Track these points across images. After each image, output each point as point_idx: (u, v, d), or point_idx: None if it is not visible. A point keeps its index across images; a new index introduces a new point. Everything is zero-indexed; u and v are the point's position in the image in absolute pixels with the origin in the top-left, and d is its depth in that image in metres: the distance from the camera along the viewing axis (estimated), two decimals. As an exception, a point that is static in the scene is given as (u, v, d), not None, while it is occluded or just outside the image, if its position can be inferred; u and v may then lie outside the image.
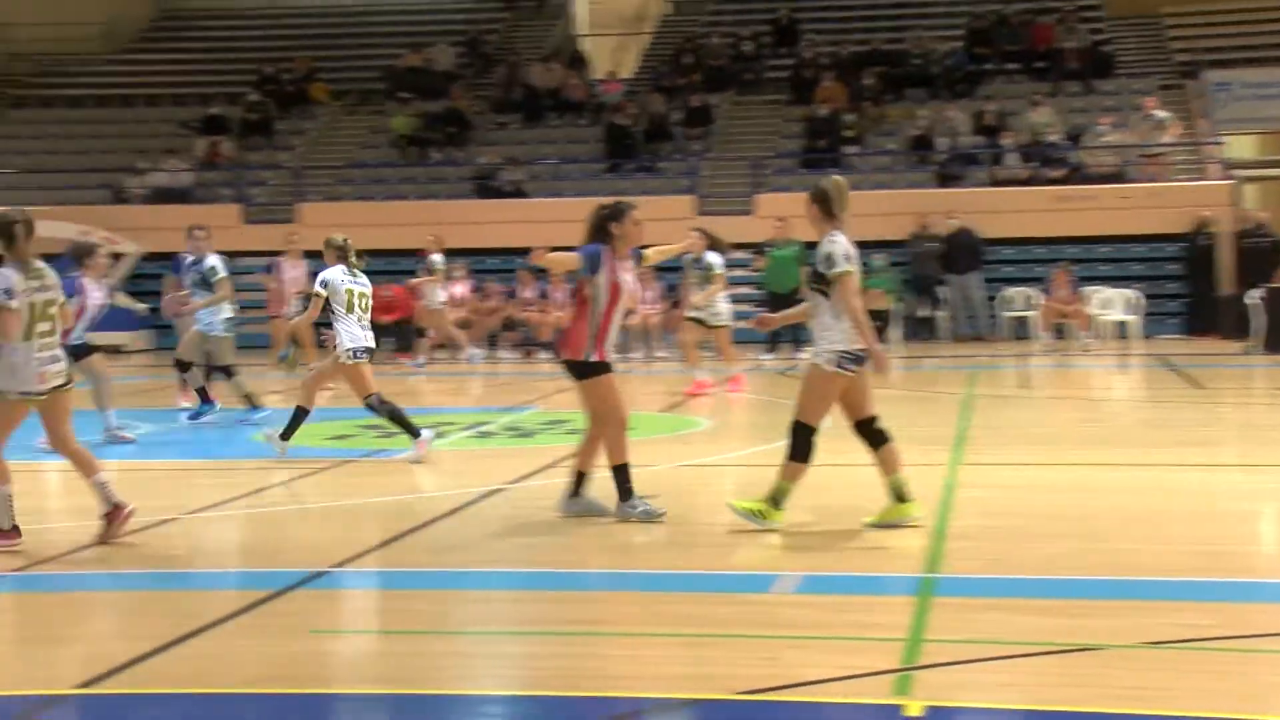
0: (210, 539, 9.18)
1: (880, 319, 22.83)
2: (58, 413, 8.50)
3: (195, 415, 14.58)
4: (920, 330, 23.71)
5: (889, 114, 27.45)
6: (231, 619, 6.82)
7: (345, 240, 12.03)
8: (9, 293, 8.17)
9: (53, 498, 10.93)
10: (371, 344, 11.79)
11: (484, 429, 13.95)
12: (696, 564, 7.98)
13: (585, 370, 8.85)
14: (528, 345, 22.96)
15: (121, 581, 7.85)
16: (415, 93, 29.65)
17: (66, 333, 13.14)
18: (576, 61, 31.13)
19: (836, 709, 5.48)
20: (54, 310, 8.48)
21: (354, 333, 11.62)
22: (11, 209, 8.52)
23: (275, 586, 7.42)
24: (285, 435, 11.86)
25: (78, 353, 13.15)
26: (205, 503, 10.08)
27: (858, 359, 8.27)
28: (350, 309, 11.68)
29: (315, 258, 19.95)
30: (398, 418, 11.62)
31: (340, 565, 7.96)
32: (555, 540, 8.62)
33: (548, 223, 22.56)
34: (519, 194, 26.31)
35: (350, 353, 11.58)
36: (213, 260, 14.61)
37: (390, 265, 24.84)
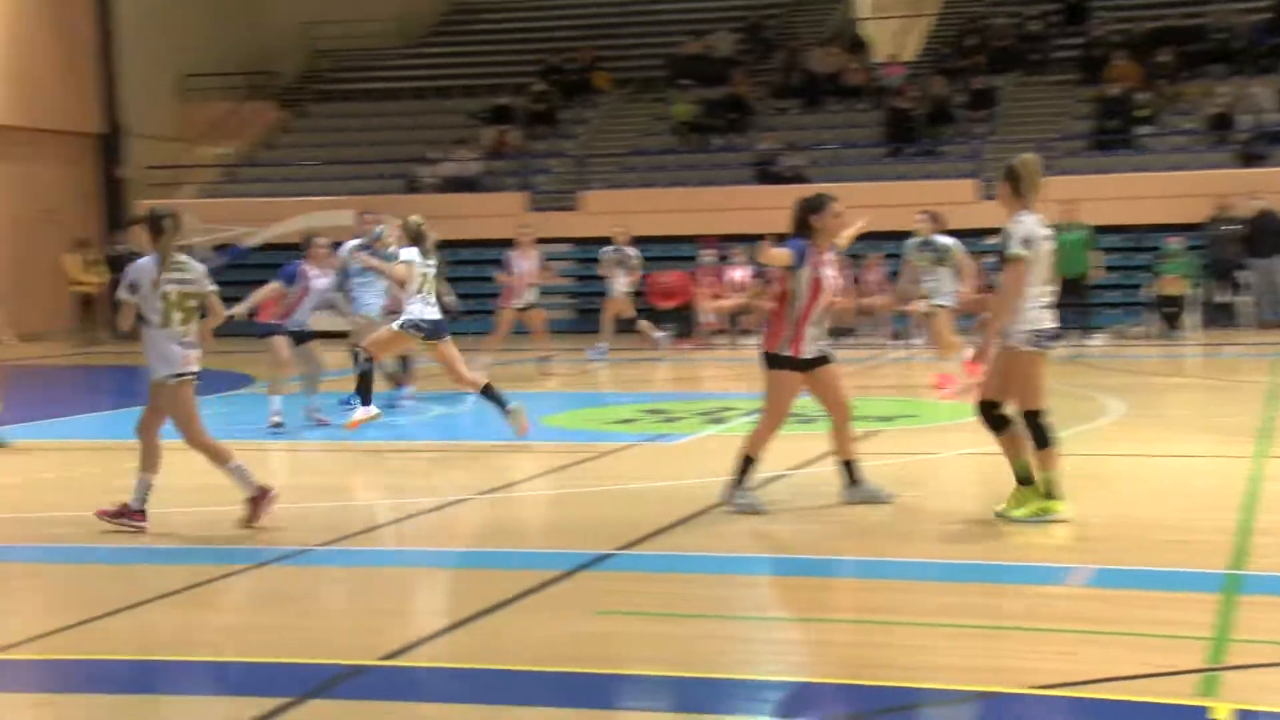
0: (498, 520, 9.38)
1: (1175, 305, 21.96)
2: (184, 402, 8.81)
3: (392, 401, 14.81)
4: (1219, 316, 22.70)
5: (1185, 92, 26.36)
6: (520, 598, 6.94)
7: (421, 225, 12.48)
8: (134, 286, 8.68)
9: (331, 475, 11.34)
10: (433, 318, 12.18)
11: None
12: (987, 555, 7.78)
13: (774, 363, 8.86)
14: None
15: (410, 559, 8.08)
16: (696, 80, 29.79)
17: (286, 315, 13.84)
18: (857, 45, 30.81)
19: (1140, 708, 5.26)
20: (192, 302, 8.81)
21: (417, 309, 12.07)
22: (163, 205, 9.05)
23: (562, 567, 7.53)
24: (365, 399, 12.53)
25: (299, 338, 13.72)
26: (489, 484, 10.30)
27: (1054, 335, 8.25)
28: (419, 289, 12.15)
29: (548, 244, 20.29)
30: (365, 382, 12.41)
31: (624, 548, 8.03)
32: (838, 527, 8.53)
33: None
34: (799, 179, 26.16)
35: (409, 325, 12.11)
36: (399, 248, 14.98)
37: (671, 251, 25.05)
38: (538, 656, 6.01)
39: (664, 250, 25.09)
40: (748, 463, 8.90)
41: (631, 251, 20.97)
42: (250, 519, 8.72)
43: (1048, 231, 8.33)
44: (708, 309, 23.06)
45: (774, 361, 8.86)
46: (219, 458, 8.81)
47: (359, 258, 14.51)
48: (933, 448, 10.40)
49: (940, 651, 5.99)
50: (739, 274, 23.27)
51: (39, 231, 27.91)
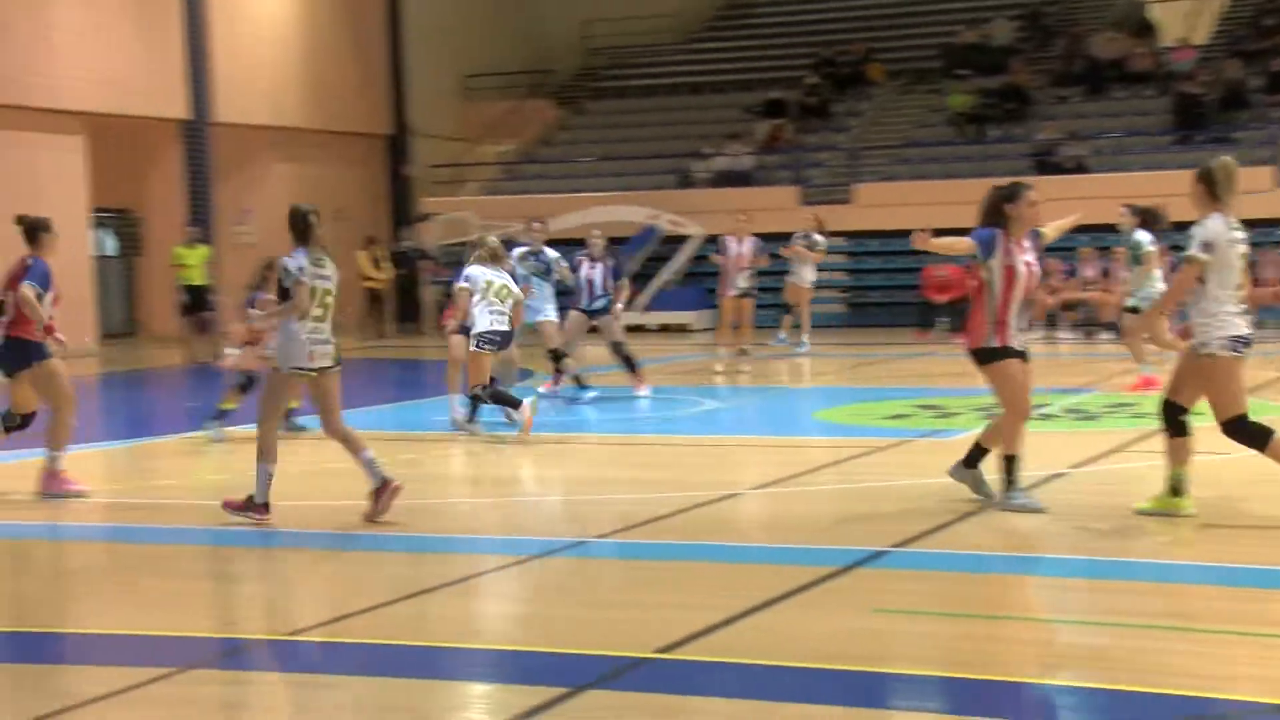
0: (774, 514, 9.37)
1: None
2: (324, 393, 8.93)
3: (575, 396, 14.95)
4: None
5: None
6: (795, 594, 6.91)
7: (496, 245, 12.70)
8: (301, 270, 8.82)
9: (604, 468, 11.47)
10: (501, 328, 12.33)
11: (1044, 411, 13.56)
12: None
13: (986, 356, 8.63)
14: (1089, 325, 22.20)
15: (687, 552, 8.13)
16: (972, 69, 29.23)
17: (581, 299, 14.35)
18: (1144, 29, 29.76)
19: None
20: (330, 299, 8.95)
21: (485, 320, 12.29)
22: (304, 204, 9.28)
23: (838, 564, 7.48)
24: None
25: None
26: (763, 479, 10.29)
27: (1248, 341, 8.05)
28: (485, 299, 12.32)
29: (770, 238, 20.18)
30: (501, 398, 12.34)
31: (900, 545, 7.93)
32: (1117, 527, 8.25)
33: (1110, 198, 21.69)
34: (1080, 169, 25.44)
35: (482, 340, 12.26)
36: (554, 252, 15.15)
37: (947, 244, 24.64)
38: (812, 653, 5.98)
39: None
40: (1010, 461, 8.68)
41: (819, 238, 20.75)
42: (373, 513, 8.83)
43: (1240, 234, 8.11)
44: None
45: (985, 355, 8.66)
46: (353, 446, 8.95)
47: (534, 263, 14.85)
48: (1218, 448, 9.99)
49: (1234, 661, 5.73)
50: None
51: (331, 230, 29.02)
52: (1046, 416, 13.24)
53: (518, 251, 14.80)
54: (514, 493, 10.00)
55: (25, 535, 9.15)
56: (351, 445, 9.02)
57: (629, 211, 26.36)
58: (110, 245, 28.20)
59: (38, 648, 6.60)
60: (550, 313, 14.90)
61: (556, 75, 34.60)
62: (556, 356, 14.92)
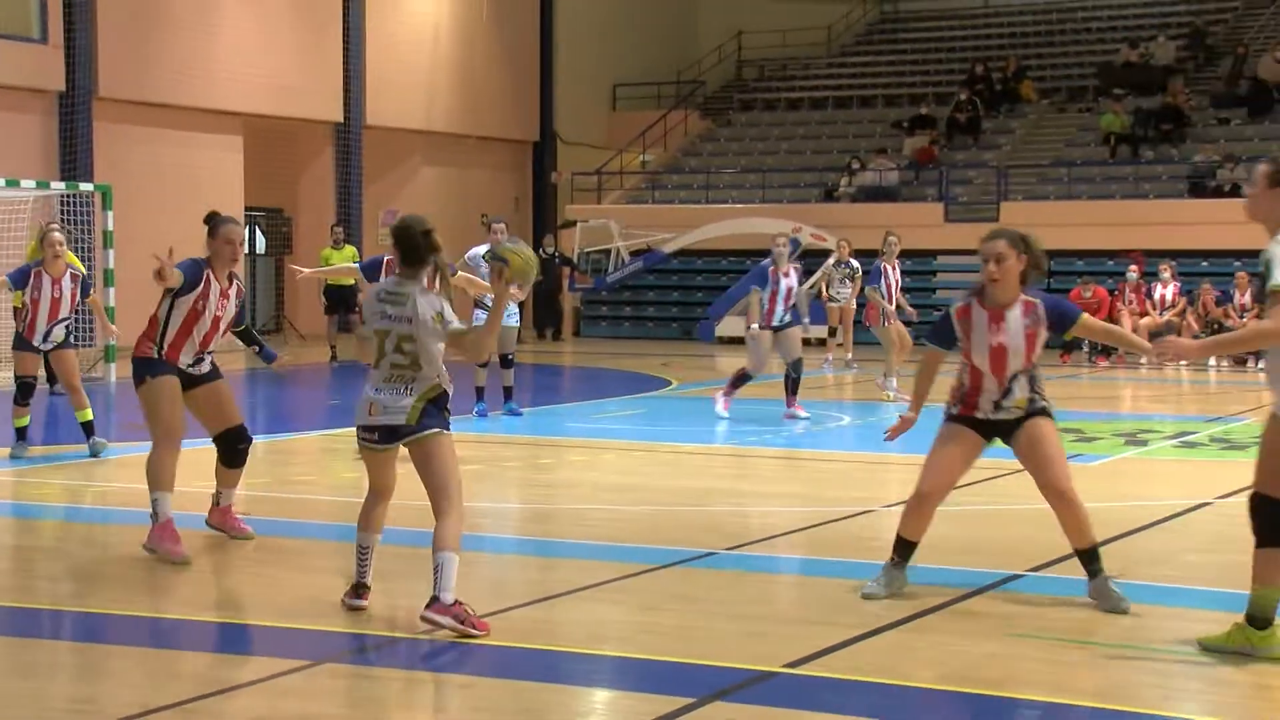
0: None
1: None
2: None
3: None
4: None
5: None
6: (926, 614, 6.84)
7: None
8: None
9: (750, 480, 11.44)
10: None
11: (1189, 439, 13.27)
12: None
13: None
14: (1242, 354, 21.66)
15: (819, 568, 8.08)
16: (1130, 88, 28.71)
17: (770, 315, 14.12)
18: (1309, 51, 29.01)
19: None
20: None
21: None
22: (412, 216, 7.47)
23: (971, 585, 7.38)
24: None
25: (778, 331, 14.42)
26: (900, 497, 10.19)
27: None
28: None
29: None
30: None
31: (1035, 569, 7.80)
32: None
33: (1268, 224, 21.24)
34: (1237, 193, 24.85)
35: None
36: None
37: (1093, 266, 24.23)
38: (942, 675, 5.91)
39: (1086, 265, 24.30)
40: None
41: (855, 264, 21.13)
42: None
43: None
44: (1131, 326, 22.19)
45: None
46: None
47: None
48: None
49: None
50: (1166, 291, 22.28)
51: (473, 234, 29.34)
52: (1192, 445, 12.95)
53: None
54: (649, 501, 10.01)
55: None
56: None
57: (769, 224, 26.30)
58: (261, 243, 28.85)
59: (178, 635, 6.77)
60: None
61: (705, 86, 34.65)
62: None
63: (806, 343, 16.01)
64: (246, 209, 26.46)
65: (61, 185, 20.87)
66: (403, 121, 29.16)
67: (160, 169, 24.46)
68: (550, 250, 28.02)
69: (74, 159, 23.39)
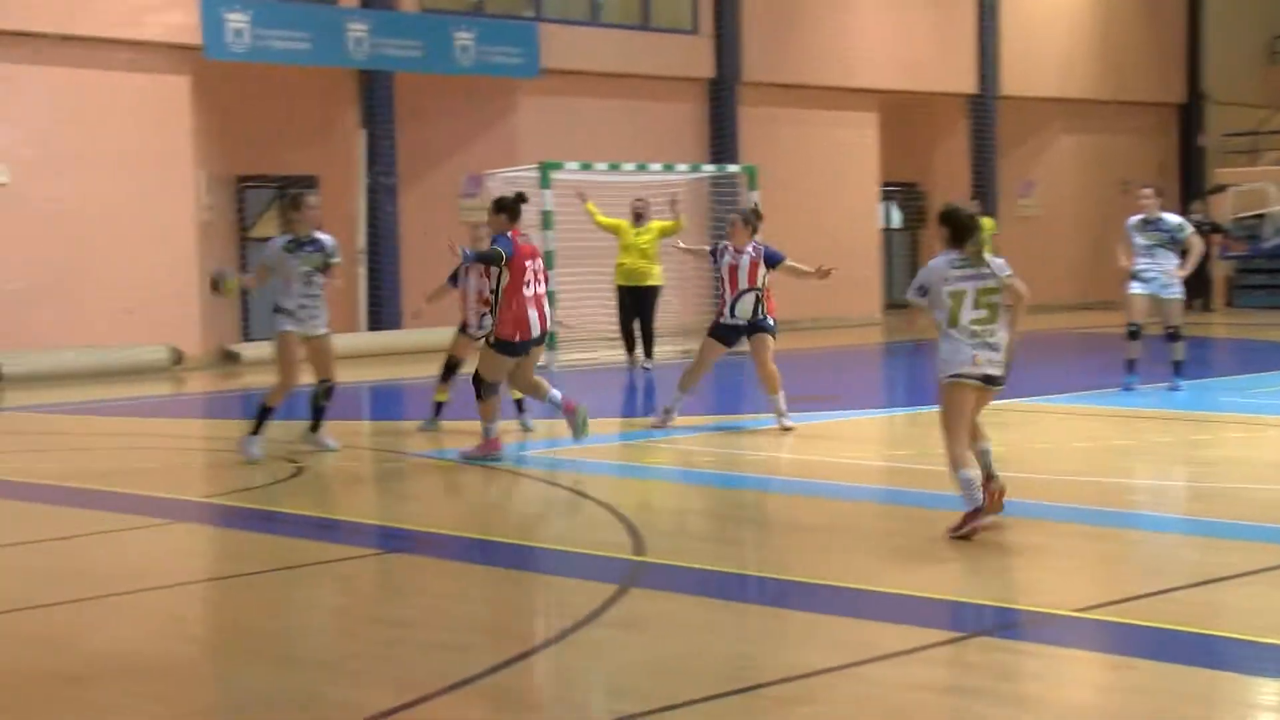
0: None
1: None
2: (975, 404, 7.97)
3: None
4: None
5: None
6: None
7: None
8: (923, 288, 7.98)
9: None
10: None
11: None
12: None
13: None
14: None
15: None
16: None
17: None
18: None
19: None
20: (994, 299, 7.88)
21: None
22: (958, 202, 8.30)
23: None
24: None
25: None
26: None
27: None
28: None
29: None
30: None
31: None
32: None
33: None
34: None
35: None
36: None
37: None
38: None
39: None
40: None
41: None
42: (958, 527, 7.85)
43: None
44: None
45: None
46: (978, 436, 8.13)
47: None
48: None
49: None
50: None
51: (1112, 202, 28.33)
52: None
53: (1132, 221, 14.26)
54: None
55: (801, 492, 9.62)
56: (977, 436, 8.16)
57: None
58: (895, 218, 29.18)
59: (821, 599, 6.88)
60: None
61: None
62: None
63: None
64: (883, 184, 26.81)
65: (712, 168, 21.97)
66: (1039, 90, 28.57)
67: (800, 148, 25.20)
68: (1198, 217, 26.56)
69: (721, 142, 24.52)
